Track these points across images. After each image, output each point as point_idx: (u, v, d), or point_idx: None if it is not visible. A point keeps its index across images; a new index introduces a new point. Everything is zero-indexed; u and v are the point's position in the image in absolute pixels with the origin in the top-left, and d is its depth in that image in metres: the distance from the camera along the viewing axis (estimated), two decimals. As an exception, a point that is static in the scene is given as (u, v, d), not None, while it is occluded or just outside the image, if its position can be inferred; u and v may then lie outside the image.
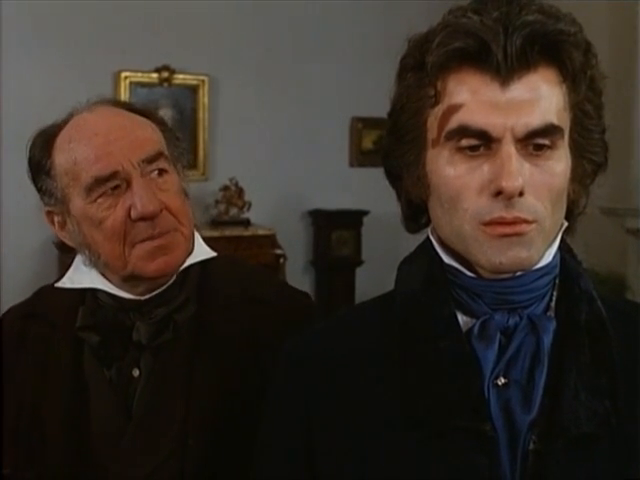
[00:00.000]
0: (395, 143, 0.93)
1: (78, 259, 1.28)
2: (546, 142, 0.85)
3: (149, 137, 1.21)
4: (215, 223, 4.94)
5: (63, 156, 1.19)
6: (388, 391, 0.91)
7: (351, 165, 5.57)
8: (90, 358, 1.24)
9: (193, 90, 5.03)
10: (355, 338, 0.98)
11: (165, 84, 4.93)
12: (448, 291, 0.93)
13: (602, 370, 0.89)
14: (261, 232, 4.99)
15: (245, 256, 4.68)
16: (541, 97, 0.85)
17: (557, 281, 0.94)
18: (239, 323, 1.26)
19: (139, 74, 4.83)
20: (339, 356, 0.96)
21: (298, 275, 5.33)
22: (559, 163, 0.87)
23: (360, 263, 5.41)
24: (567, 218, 0.94)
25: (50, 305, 1.30)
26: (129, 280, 1.21)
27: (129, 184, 1.17)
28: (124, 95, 4.74)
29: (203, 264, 1.29)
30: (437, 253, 0.95)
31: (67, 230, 1.24)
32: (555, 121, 0.85)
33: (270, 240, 4.98)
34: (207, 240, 1.33)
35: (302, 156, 5.36)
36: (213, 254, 1.31)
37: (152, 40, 4.80)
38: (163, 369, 1.23)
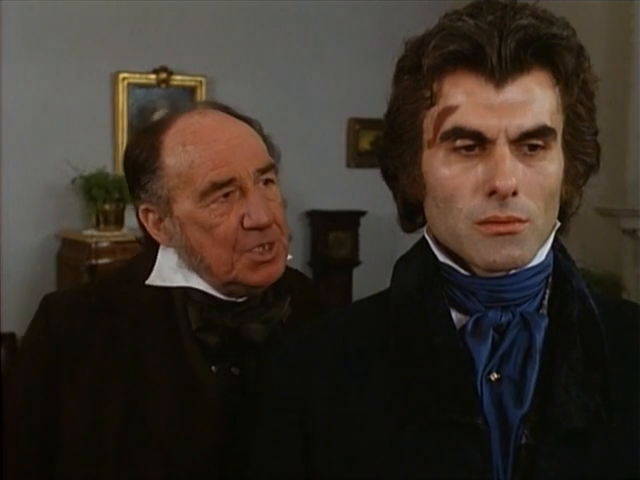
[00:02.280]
0: (392, 144, 0.95)
1: (162, 257, 1.26)
2: (539, 143, 0.87)
3: (262, 147, 1.25)
4: (213, 224, 4.92)
5: (176, 158, 1.19)
6: (383, 387, 0.92)
7: (348, 166, 5.57)
8: (197, 356, 1.22)
9: (191, 91, 5.03)
10: (351, 336, 0.99)
11: (163, 85, 4.93)
12: (443, 289, 0.94)
13: (593, 366, 0.90)
14: (259, 233, 4.98)
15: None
16: (534, 99, 0.86)
17: (550, 279, 0.95)
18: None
19: (137, 75, 4.83)
20: (335, 354, 0.97)
21: (295, 276, 5.33)
22: (552, 164, 0.88)
23: (357, 264, 5.41)
24: (560, 218, 0.95)
25: (130, 300, 1.24)
26: (229, 285, 1.22)
27: (243, 192, 1.19)
28: (122, 96, 4.75)
29: None
30: (432, 252, 0.96)
31: (163, 229, 1.23)
32: (548, 123, 0.87)
33: (267, 241, 4.97)
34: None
35: (299, 157, 5.34)
36: None
37: (150, 41, 4.80)
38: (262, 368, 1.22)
